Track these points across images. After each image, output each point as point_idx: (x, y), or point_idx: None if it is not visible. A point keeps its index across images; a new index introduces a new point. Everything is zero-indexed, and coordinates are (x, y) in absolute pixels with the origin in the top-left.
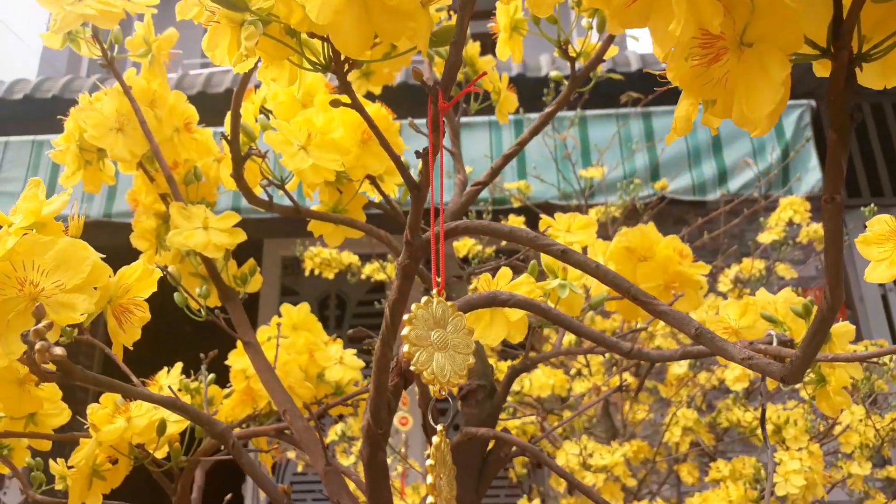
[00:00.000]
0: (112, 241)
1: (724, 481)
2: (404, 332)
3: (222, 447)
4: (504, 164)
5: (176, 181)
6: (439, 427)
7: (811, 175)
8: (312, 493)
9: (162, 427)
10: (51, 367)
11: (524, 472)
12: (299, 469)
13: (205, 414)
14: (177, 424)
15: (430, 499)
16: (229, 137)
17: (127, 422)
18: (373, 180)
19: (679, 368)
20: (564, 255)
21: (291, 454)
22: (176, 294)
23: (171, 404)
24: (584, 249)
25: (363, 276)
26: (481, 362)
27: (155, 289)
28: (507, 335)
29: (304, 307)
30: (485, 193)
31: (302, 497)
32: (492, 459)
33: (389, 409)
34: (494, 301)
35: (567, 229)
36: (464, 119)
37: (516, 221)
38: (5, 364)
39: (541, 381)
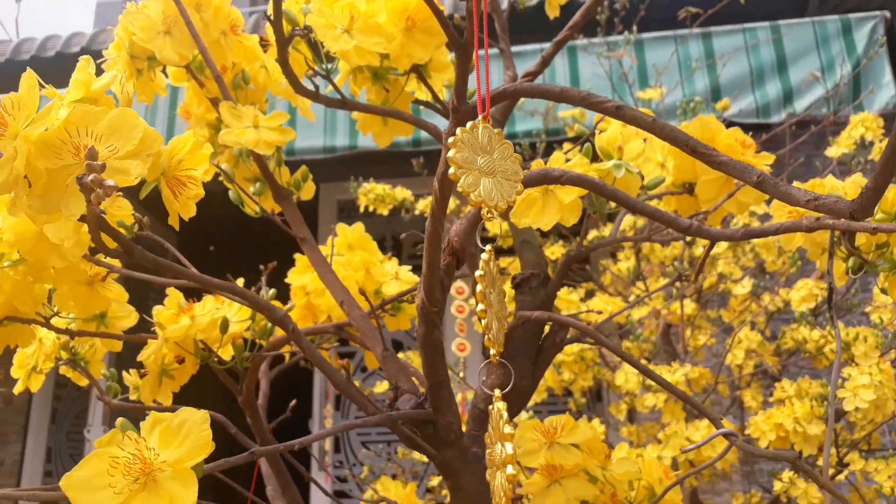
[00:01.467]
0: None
1: (790, 399)
2: (449, 154)
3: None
4: (555, 52)
5: (225, 84)
6: (488, 247)
7: (885, 91)
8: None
9: (224, 325)
10: (111, 244)
11: (584, 401)
12: None
13: (264, 300)
14: (239, 324)
15: (479, 307)
16: (272, 17)
17: (191, 320)
18: (420, 76)
19: (742, 289)
20: (619, 111)
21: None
22: (231, 192)
23: (230, 290)
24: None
25: (416, 212)
26: (534, 252)
27: (206, 163)
28: (560, 218)
29: (359, 226)
30: (538, 124)
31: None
32: (547, 344)
33: (442, 287)
34: (546, 178)
35: (634, 133)
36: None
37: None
38: (72, 243)
39: (598, 307)
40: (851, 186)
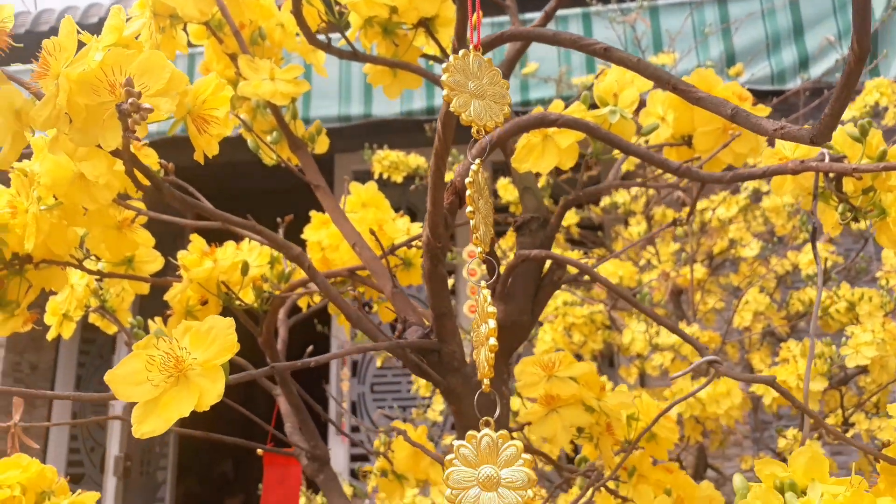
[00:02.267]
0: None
1: (794, 358)
2: (443, 78)
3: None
4: (557, 6)
5: (243, 38)
6: (477, 160)
7: None
8: (393, 394)
9: (245, 268)
10: (145, 181)
11: (595, 365)
12: (378, 364)
13: (281, 238)
14: (259, 268)
15: (468, 209)
16: None
17: (214, 262)
18: (427, 31)
19: (750, 251)
20: (607, 52)
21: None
22: (249, 140)
23: (251, 228)
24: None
25: None
26: (535, 197)
27: (227, 105)
28: (558, 162)
29: (372, 185)
30: (551, 91)
31: (382, 396)
32: (546, 282)
33: (446, 224)
34: (544, 121)
35: (631, 81)
36: (522, 16)
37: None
38: (106, 180)
39: (609, 270)
40: (840, 134)
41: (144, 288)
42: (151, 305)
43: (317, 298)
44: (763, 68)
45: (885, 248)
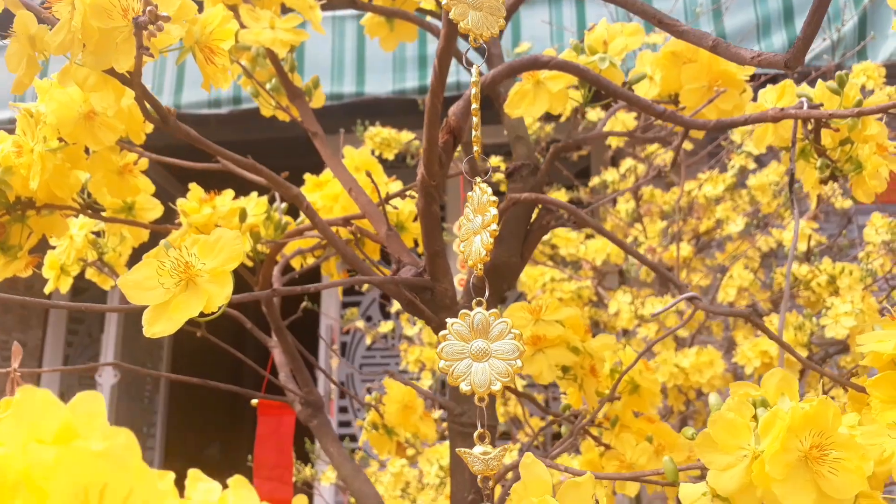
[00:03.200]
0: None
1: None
2: None
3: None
4: None
5: None
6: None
7: (891, 41)
8: (381, 376)
9: (243, 214)
10: (157, 117)
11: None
12: (368, 342)
13: (280, 178)
14: (256, 217)
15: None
16: None
17: (212, 209)
18: None
19: (735, 227)
20: None
21: (359, 323)
22: (249, 87)
23: (251, 167)
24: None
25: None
26: (526, 146)
27: (233, 38)
28: (549, 107)
29: (366, 150)
30: None
31: (370, 377)
32: (535, 226)
33: (441, 163)
34: (536, 63)
35: (620, 31)
36: None
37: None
38: (115, 110)
39: (597, 246)
40: (819, 88)
41: (144, 235)
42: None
43: (310, 260)
44: (749, 15)
45: (861, 199)
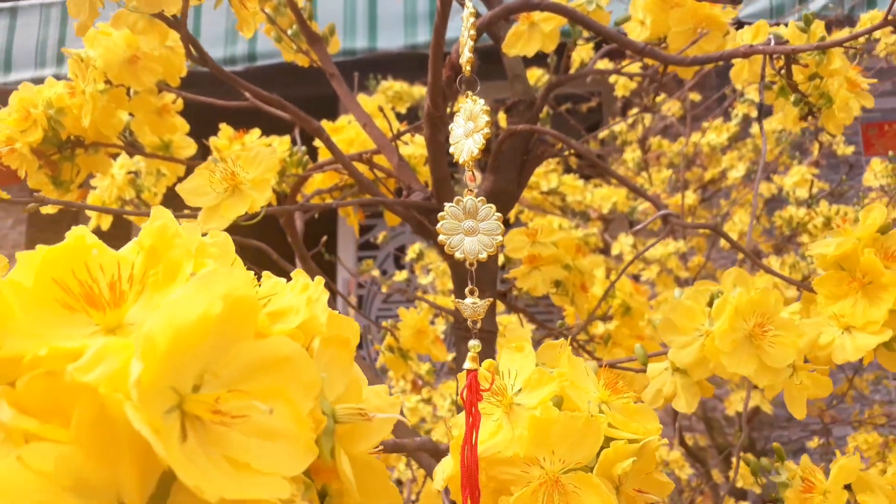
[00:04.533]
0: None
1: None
2: None
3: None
4: None
5: None
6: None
7: None
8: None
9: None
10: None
11: None
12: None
13: (303, 113)
14: (281, 154)
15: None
16: None
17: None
18: None
19: (737, 172)
20: None
21: (375, 272)
22: (273, 33)
23: (278, 104)
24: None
25: None
26: (523, 84)
27: None
28: (541, 46)
29: (379, 97)
30: None
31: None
32: (531, 157)
33: (444, 97)
34: (528, 4)
35: None
36: None
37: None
38: (160, 51)
39: (603, 193)
40: (791, 27)
41: (181, 170)
42: (172, 205)
43: (328, 199)
44: (762, 1)
45: (832, 131)
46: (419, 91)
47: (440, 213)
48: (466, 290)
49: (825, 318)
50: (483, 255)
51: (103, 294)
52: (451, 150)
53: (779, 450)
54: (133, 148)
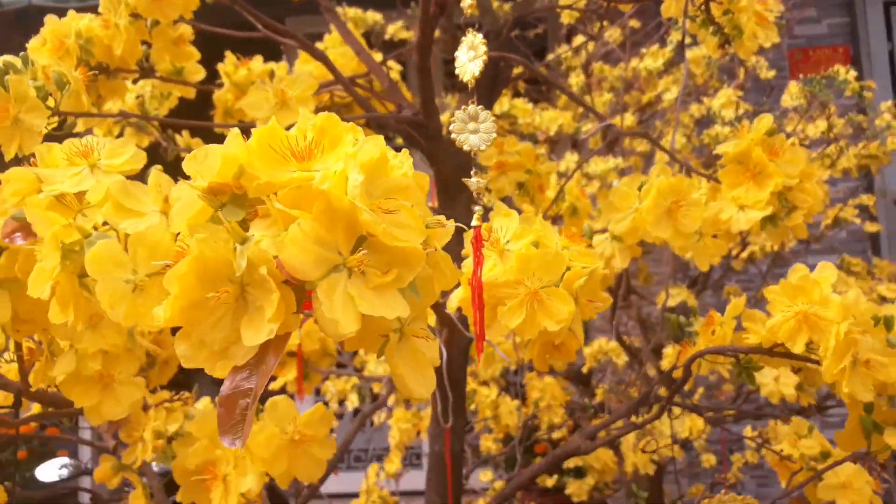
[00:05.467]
0: None
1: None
2: None
3: None
4: None
5: None
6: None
7: None
8: None
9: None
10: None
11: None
12: None
13: (307, 41)
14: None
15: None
16: None
17: (248, 70)
18: None
19: (670, 94)
20: None
21: None
22: None
23: (284, 32)
24: None
25: (387, 37)
26: (490, 16)
27: None
28: None
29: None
30: None
31: None
32: (500, 79)
33: (431, 28)
34: None
35: None
36: None
37: None
38: None
39: (550, 116)
40: None
41: (192, 92)
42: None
43: None
44: None
45: (743, 57)
46: (373, 16)
47: (451, 118)
48: (472, 173)
49: (727, 201)
50: (483, 147)
51: (300, 152)
52: (457, 72)
53: (694, 308)
54: (149, 73)
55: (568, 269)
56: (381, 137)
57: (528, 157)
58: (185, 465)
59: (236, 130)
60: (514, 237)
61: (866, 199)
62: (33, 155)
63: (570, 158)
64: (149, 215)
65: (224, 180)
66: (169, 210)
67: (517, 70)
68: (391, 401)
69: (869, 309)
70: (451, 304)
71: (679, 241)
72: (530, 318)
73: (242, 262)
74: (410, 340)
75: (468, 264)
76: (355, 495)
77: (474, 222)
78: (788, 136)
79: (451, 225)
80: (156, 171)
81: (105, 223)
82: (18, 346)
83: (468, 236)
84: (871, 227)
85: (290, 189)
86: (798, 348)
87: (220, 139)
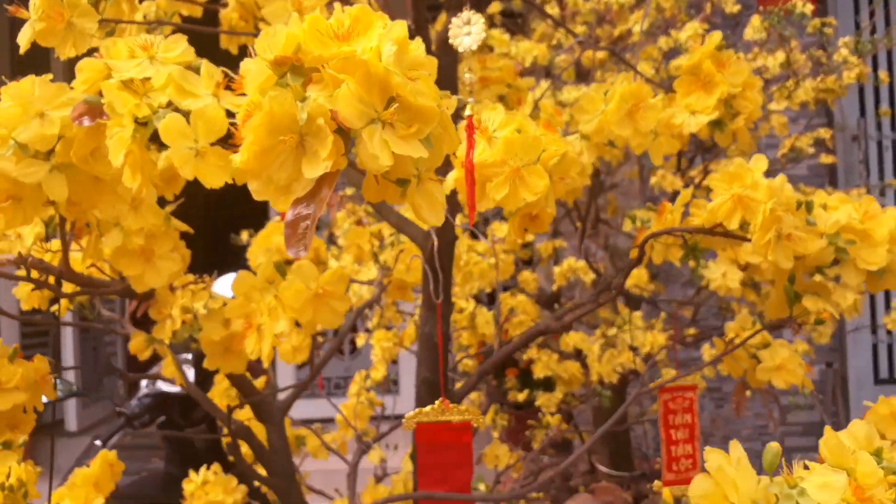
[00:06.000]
0: None
1: None
2: None
3: None
4: None
5: None
6: None
7: None
8: None
9: None
10: None
11: None
12: None
13: None
14: None
15: None
16: None
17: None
18: None
19: (639, 27)
20: None
21: None
22: None
23: None
24: None
25: None
26: None
27: None
28: None
29: None
30: None
31: None
32: (483, 3)
33: None
34: None
35: None
36: None
37: None
38: None
39: (526, 47)
40: None
41: (198, 11)
42: None
43: None
44: None
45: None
46: None
47: (448, 24)
48: (465, 71)
49: (680, 107)
50: (474, 46)
51: (341, 34)
52: (453, 42)
53: (651, 207)
54: None
55: (544, 151)
56: (404, 22)
57: (509, 73)
58: (212, 336)
59: (296, 14)
60: (500, 126)
61: (823, 132)
62: (96, 50)
63: (544, 86)
64: (204, 97)
65: (286, 54)
66: (219, 94)
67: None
68: (373, 324)
69: (794, 195)
70: (448, 184)
71: (637, 139)
72: (513, 191)
73: (304, 114)
74: (426, 183)
75: (462, 150)
76: (333, 421)
77: (467, 112)
78: (757, 72)
79: (454, 98)
80: (206, 62)
81: (169, 103)
82: (63, 232)
83: (462, 126)
84: (826, 159)
85: (337, 60)
86: (733, 225)
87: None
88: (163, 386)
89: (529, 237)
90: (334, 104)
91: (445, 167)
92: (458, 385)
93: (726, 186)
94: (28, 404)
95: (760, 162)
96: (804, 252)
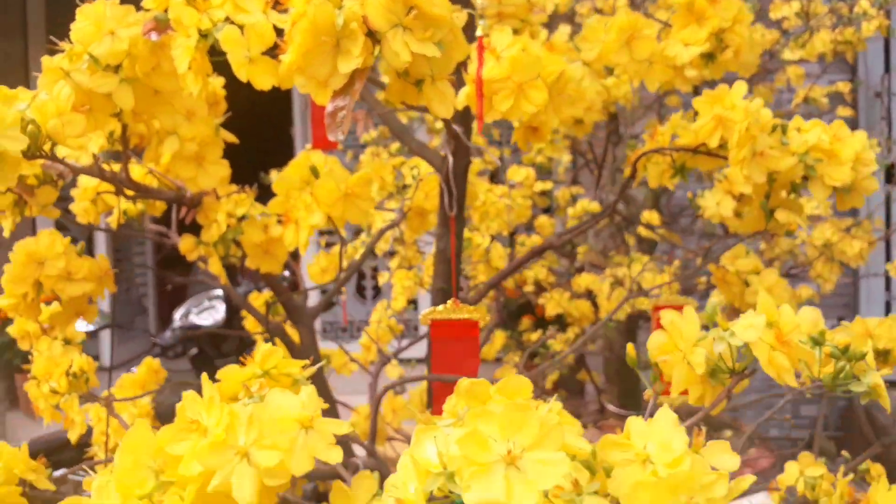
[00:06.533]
0: None
1: None
2: None
3: None
4: None
5: None
6: None
7: None
8: None
9: None
10: None
11: None
12: None
13: None
14: None
15: None
16: None
17: None
18: None
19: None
20: None
21: None
22: None
23: None
24: None
25: None
26: None
27: None
28: None
29: None
30: None
31: None
32: None
33: None
34: None
35: None
36: None
37: None
38: None
39: None
40: None
41: None
42: None
43: None
44: None
45: None
46: None
47: None
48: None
49: (676, 40)
50: None
51: None
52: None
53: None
54: None
55: (545, 70)
56: None
57: (523, 9)
58: (253, 239)
59: None
60: (508, 46)
61: (842, 85)
62: None
63: (563, 31)
64: (255, 13)
65: None
66: (268, 10)
67: None
68: (394, 264)
69: (770, 119)
70: (461, 99)
71: (633, 67)
72: (517, 103)
73: (340, 20)
74: (439, 82)
75: (472, 69)
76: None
77: (479, 32)
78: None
79: (465, 11)
80: None
81: (226, 18)
82: (126, 143)
83: (474, 46)
84: (843, 112)
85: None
86: (713, 144)
87: None
88: (194, 319)
89: (548, 184)
90: (365, 10)
91: (458, 83)
92: (471, 294)
93: (709, 108)
94: (94, 294)
95: (741, 87)
96: (776, 168)
